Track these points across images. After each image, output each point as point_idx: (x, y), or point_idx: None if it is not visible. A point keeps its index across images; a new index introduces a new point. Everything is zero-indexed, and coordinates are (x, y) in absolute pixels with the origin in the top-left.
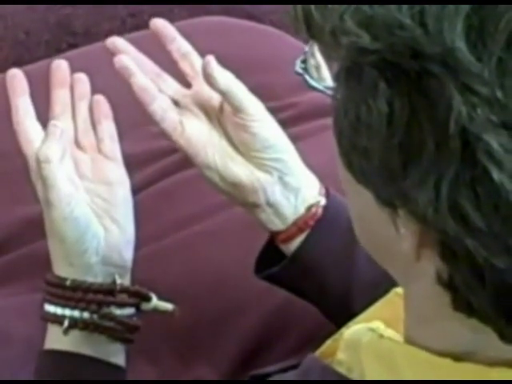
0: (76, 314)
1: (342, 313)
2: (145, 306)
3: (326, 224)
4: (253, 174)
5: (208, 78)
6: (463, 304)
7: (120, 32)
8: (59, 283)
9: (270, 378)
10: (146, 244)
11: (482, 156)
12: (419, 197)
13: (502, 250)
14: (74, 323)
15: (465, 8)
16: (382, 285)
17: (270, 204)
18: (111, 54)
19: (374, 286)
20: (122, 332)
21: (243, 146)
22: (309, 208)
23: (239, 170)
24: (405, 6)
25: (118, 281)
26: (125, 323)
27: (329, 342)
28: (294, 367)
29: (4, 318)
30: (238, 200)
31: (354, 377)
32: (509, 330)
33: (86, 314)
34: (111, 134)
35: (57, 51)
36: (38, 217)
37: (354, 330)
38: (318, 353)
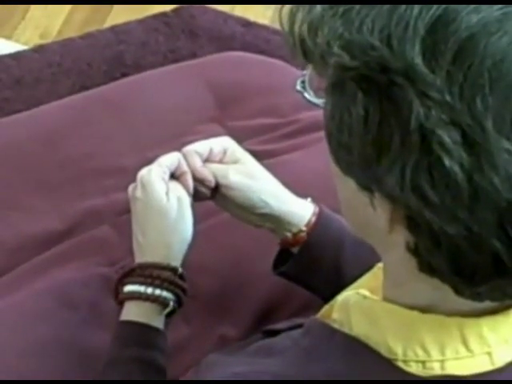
0: (170, 296)
1: None
2: None
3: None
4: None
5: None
6: (426, 266)
7: (162, 64)
8: (172, 272)
9: (281, 334)
10: None
11: (436, 147)
12: (389, 180)
13: (451, 219)
14: (178, 305)
15: (421, 32)
16: None
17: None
18: (153, 81)
19: None
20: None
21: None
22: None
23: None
24: (376, 31)
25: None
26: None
27: (326, 307)
28: (300, 326)
29: (70, 288)
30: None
31: (345, 330)
32: (461, 286)
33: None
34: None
35: (112, 79)
36: (98, 208)
37: (344, 294)
38: (317, 315)
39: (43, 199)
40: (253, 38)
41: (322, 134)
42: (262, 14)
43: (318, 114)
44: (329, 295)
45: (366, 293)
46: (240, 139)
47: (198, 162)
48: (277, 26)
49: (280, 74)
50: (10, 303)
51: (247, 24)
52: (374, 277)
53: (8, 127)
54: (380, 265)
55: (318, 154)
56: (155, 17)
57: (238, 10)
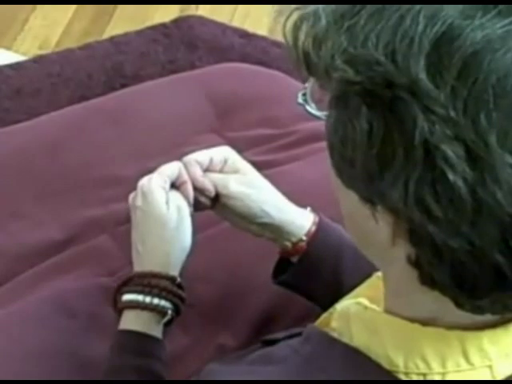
0: (168, 305)
1: None
2: None
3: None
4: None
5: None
6: (427, 279)
7: (161, 75)
8: (170, 281)
9: (280, 343)
10: None
11: (439, 161)
12: (392, 194)
13: (454, 233)
14: (176, 314)
15: (426, 48)
16: None
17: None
18: (153, 91)
19: None
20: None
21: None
22: (298, 241)
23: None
24: (380, 47)
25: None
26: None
27: (325, 315)
28: (298, 334)
29: (70, 297)
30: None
31: (345, 340)
32: (463, 299)
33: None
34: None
35: (111, 90)
36: (98, 218)
37: (344, 304)
38: (316, 323)
39: (43, 208)
40: (251, 49)
41: (320, 144)
42: (260, 25)
43: (317, 125)
44: (328, 304)
45: (366, 302)
46: (239, 150)
47: (198, 172)
48: (275, 37)
49: (279, 84)
50: (10, 311)
51: (246, 35)
52: (373, 286)
53: (8, 137)
54: (378, 274)
55: (316, 165)
56: (154, 28)
57: (236, 21)
